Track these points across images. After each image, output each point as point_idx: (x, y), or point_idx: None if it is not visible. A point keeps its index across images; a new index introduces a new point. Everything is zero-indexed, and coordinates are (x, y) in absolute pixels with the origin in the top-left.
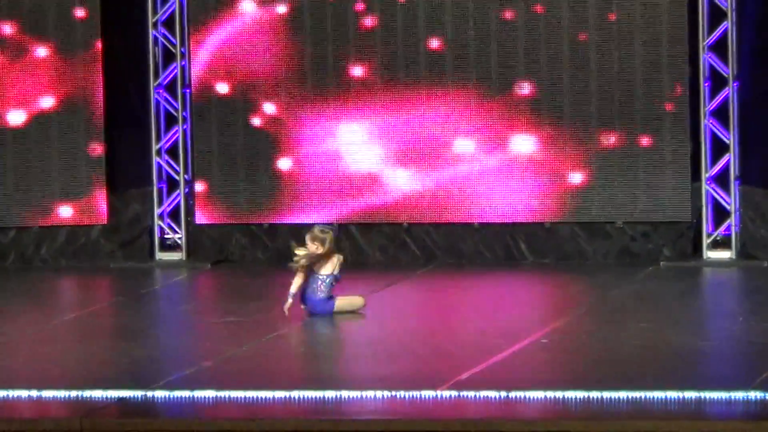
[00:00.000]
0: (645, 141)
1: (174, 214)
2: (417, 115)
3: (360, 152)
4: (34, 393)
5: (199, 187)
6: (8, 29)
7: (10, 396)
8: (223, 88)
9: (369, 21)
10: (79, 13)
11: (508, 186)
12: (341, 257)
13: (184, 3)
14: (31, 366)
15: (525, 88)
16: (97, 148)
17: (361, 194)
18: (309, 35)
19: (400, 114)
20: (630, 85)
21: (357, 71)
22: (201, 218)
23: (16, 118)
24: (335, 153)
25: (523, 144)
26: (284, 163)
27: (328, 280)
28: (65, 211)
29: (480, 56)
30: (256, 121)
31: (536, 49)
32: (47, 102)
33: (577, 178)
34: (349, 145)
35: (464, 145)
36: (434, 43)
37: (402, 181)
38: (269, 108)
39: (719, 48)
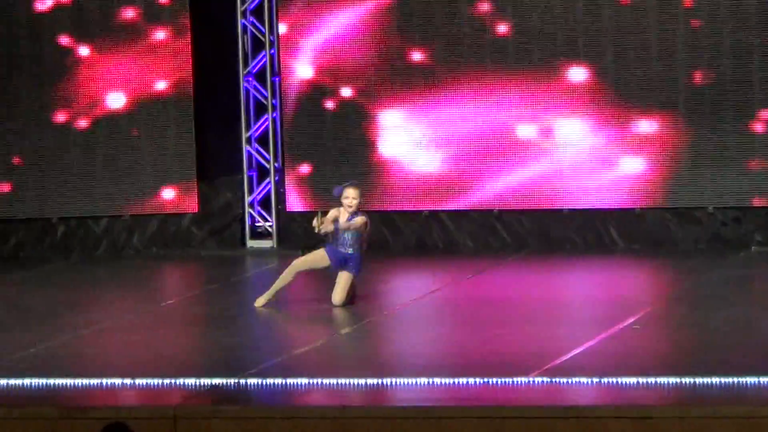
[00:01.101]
0: (735, 126)
1: (264, 202)
2: (503, 103)
3: (449, 141)
4: (128, 381)
5: (290, 174)
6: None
7: (105, 384)
8: (312, 75)
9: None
10: (169, 4)
11: (597, 172)
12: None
13: None
14: (124, 354)
15: (612, 75)
16: (188, 138)
17: (451, 182)
18: (398, 24)
19: (488, 103)
20: (716, 69)
21: (442, 62)
22: (292, 206)
23: (108, 108)
24: (424, 142)
25: (613, 130)
26: (374, 151)
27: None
28: (156, 200)
29: (579, 42)
30: (346, 109)
31: (628, 36)
32: (138, 93)
33: (666, 163)
34: (438, 134)
35: (552, 133)
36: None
37: (491, 169)
38: (360, 96)
39: None
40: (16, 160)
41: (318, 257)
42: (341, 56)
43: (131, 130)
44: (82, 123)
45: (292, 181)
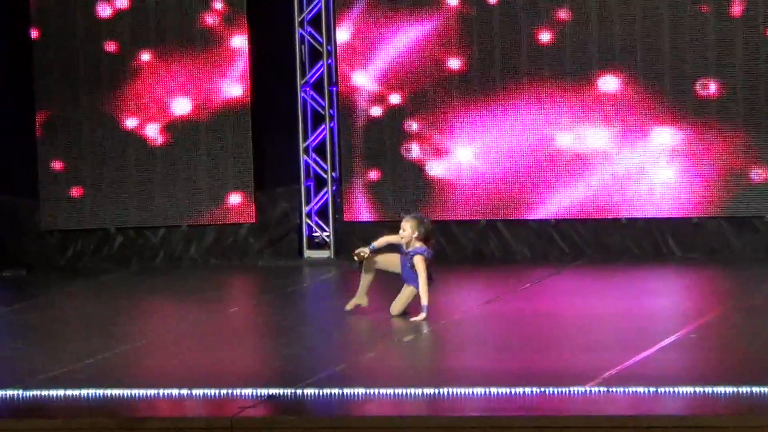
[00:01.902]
0: None
1: (322, 212)
2: (557, 111)
3: (503, 150)
4: (185, 391)
5: (347, 185)
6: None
7: (163, 394)
8: (369, 85)
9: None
10: (226, 13)
11: (653, 181)
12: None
13: (330, 1)
14: (182, 364)
15: (667, 83)
16: (246, 148)
17: (507, 191)
18: (456, 37)
19: (542, 112)
20: (755, 73)
21: (496, 72)
22: (349, 216)
23: (168, 117)
24: (481, 152)
25: (668, 138)
26: (431, 161)
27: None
28: (214, 211)
29: (620, 51)
30: (403, 120)
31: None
32: (196, 103)
33: (724, 172)
34: (494, 143)
35: (608, 141)
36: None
37: (548, 178)
38: (416, 107)
39: None
40: (73, 167)
41: (394, 261)
42: (399, 66)
43: (188, 139)
44: (142, 132)
45: (350, 191)
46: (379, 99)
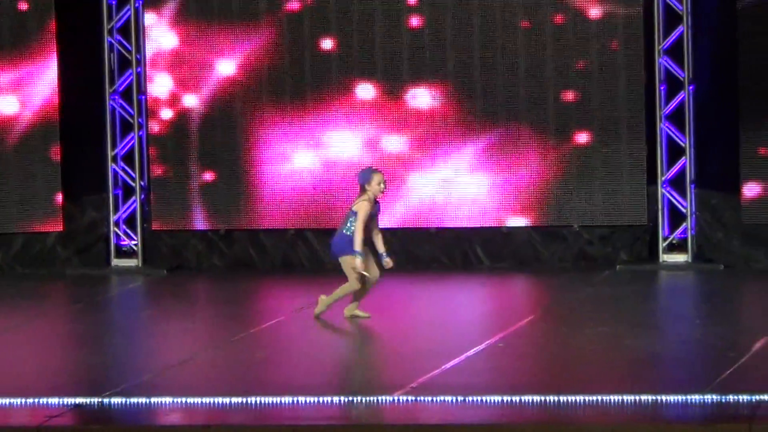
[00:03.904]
0: (601, 145)
1: (130, 221)
2: (367, 123)
3: (312, 160)
4: None
5: (155, 193)
6: None
7: None
8: (179, 94)
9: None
10: (35, 20)
11: (463, 192)
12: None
13: (139, 8)
14: None
15: (481, 94)
16: (54, 155)
17: (317, 201)
18: (265, 43)
19: (351, 124)
20: (586, 90)
21: (311, 79)
22: (157, 225)
23: None
24: (290, 160)
25: (478, 149)
26: (241, 170)
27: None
28: (21, 219)
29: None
30: (212, 127)
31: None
32: (4, 109)
33: (533, 182)
34: (302, 153)
35: (418, 152)
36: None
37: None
38: (226, 114)
39: (675, 51)
40: None
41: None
42: (208, 75)
43: None
44: None
45: (158, 200)
46: (189, 107)
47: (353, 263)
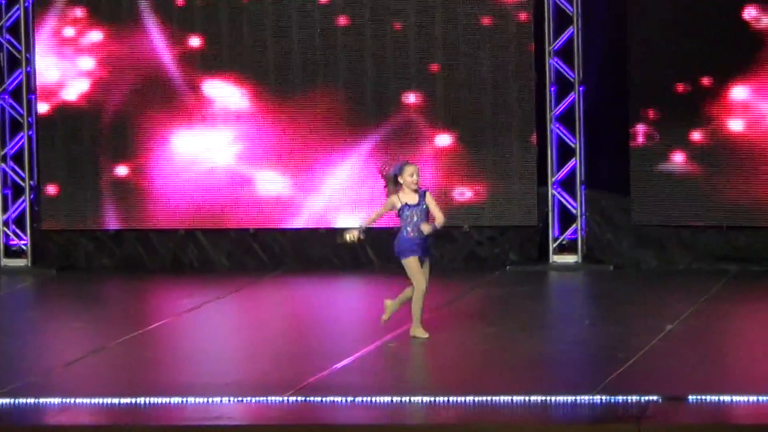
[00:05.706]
0: (491, 145)
1: (19, 221)
2: (258, 121)
3: (205, 159)
4: None
5: (45, 193)
6: None
7: None
8: (68, 94)
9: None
10: None
11: (354, 192)
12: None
13: (29, 8)
14: None
15: (357, 93)
16: None
17: (207, 201)
18: (159, 41)
19: (240, 126)
20: (476, 90)
21: (197, 77)
22: (46, 224)
23: None
24: (180, 159)
25: (368, 149)
26: (130, 170)
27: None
28: None
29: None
30: (102, 128)
31: (368, 56)
32: None
33: (422, 182)
34: (194, 151)
35: (309, 151)
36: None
37: (248, 188)
38: (114, 115)
39: (565, 53)
40: None
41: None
42: (97, 74)
43: None
44: None
45: (48, 200)
46: (78, 107)
47: (411, 264)
